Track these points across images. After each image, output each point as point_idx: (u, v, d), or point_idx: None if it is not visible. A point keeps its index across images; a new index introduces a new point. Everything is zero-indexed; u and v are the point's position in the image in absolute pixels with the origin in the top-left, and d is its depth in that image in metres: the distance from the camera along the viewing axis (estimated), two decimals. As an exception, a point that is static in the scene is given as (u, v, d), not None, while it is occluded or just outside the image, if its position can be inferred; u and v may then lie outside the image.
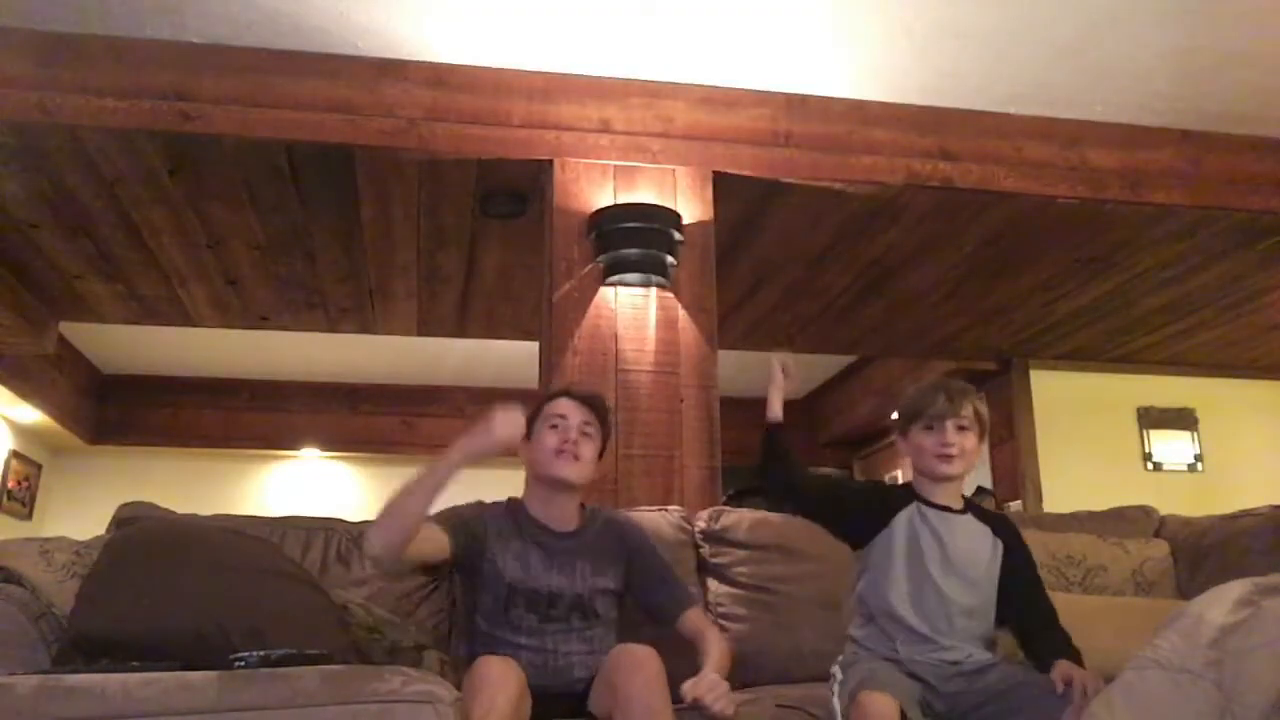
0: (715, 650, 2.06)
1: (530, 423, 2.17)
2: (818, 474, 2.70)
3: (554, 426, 2.19)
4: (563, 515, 2.20)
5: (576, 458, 2.16)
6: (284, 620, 1.81)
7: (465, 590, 2.23)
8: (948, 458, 2.01)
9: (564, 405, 2.23)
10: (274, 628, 1.74)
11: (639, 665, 1.83)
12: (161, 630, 1.68)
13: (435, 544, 2.05)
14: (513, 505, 2.24)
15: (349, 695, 1.42)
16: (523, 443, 2.15)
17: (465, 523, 2.13)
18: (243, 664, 1.50)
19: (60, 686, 1.38)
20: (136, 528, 2.14)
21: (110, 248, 4.00)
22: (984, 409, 2.08)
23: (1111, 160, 3.59)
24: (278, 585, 1.93)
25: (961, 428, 2.03)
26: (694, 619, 2.19)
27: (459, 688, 1.91)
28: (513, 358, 5.61)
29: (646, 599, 2.23)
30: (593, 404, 2.26)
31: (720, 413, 3.15)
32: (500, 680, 1.74)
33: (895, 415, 2.18)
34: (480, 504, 2.27)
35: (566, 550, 2.15)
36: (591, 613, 2.12)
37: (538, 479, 2.21)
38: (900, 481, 2.61)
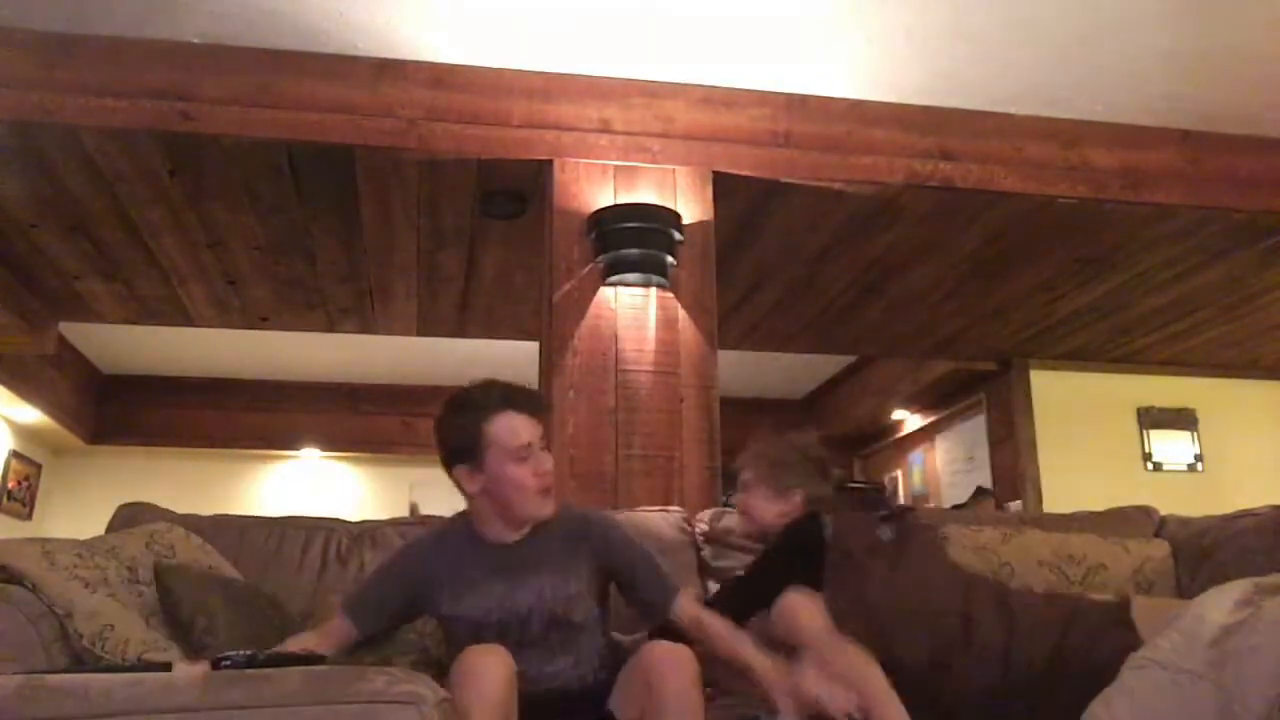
0: (737, 640, 1.91)
1: (466, 449, 1.94)
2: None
3: (523, 460, 1.93)
4: (520, 531, 2.02)
5: (552, 489, 1.99)
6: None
7: (436, 629, 2.10)
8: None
9: (521, 425, 1.95)
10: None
11: (678, 668, 1.74)
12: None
13: (335, 638, 1.92)
14: (458, 526, 2.05)
15: (332, 696, 1.41)
16: (463, 473, 1.95)
17: (382, 601, 2.00)
18: (229, 663, 1.50)
19: (43, 686, 1.37)
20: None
21: (110, 248, 4.00)
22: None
23: (1111, 160, 3.59)
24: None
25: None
26: (687, 608, 2.00)
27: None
28: (513, 358, 5.60)
29: (631, 599, 2.07)
30: (542, 410, 2.04)
31: (720, 413, 3.16)
32: (488, 668, 1.65)
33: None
34: (407, 552, 2.08)
35: (525, 563, 1.97)
36: (568, 624, 1.96)
37: (505, 515, 1.98)
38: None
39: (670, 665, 1.75)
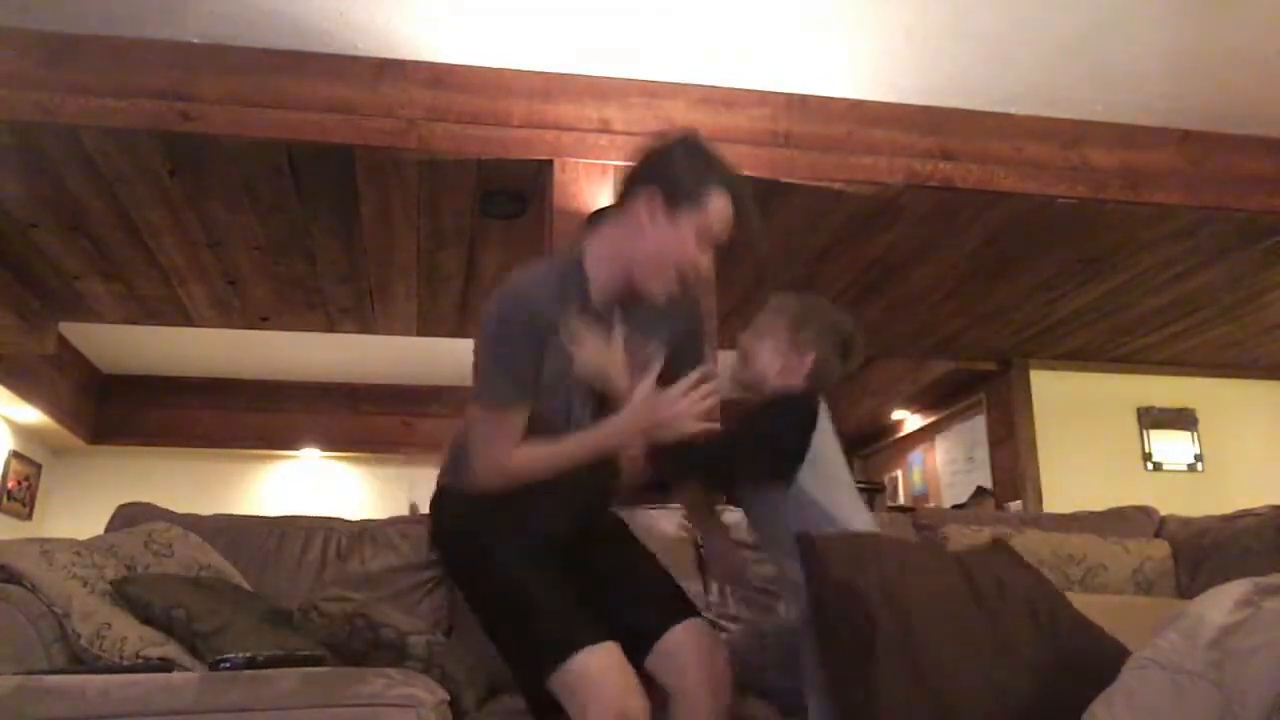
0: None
1: (678, 182, 1.76)
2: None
3: (699, 244, 1.78)
4: (615, 300, 1.84)
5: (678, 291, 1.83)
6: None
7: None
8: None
9: (725, 223, 1.79)
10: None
11: (717, 687, 1.73)
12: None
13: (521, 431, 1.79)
14: (570, 269, 1.83)
15: (330, 698, 1.41)
16: (654, 198, 1.75)
17: (535, 364, 1.78)
18: (228, 664, 1.49)
19: (40, 687, 1.38)
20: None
21: (110, 248, 4.00)
22: None
23: (1111, 160, 3.59)
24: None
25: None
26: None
27: (451, 670, 1.89)
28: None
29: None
30: (723, 249, 1.87)
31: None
32: (623, 686, 1.61)
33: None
34: (526, 304, 1.78)
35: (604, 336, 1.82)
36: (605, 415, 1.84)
37: (632, 272, 1.79)
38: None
39: (708, 682, 1.74)
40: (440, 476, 1.98)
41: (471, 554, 1.85)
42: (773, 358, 2.01)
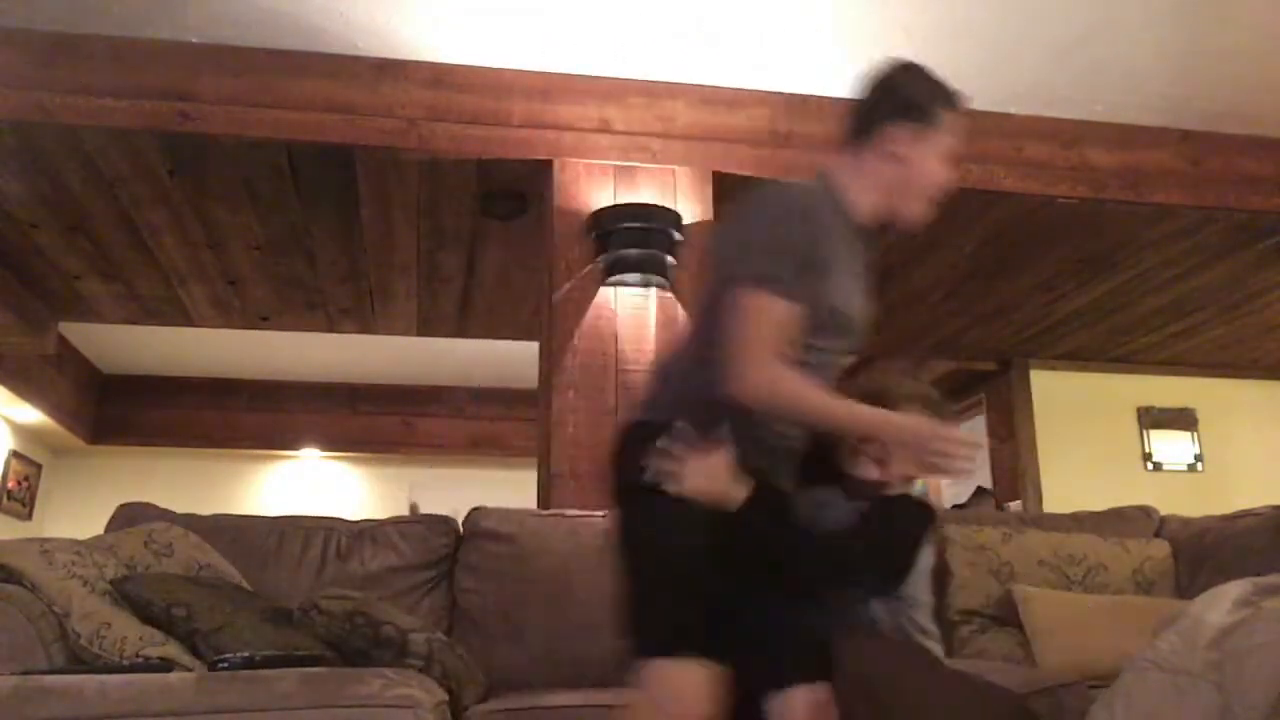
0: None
1: (921, 108, 1.73)
2: None
3: (944, 164, 1.75)
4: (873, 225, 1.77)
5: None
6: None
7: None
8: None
9: (961, 130, 1.77)
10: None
11: None
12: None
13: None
14: (828, 198, 1.73)
15: (328, 699, 1.41)
16: (903, 130, 1.71)
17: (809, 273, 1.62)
18: (226, 665, 1.49)
19: (39, 687, 1.37)
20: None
21: (110, 248, 4.00)
22: None
23: (1111, 160, 3.59)
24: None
25: None
26: None
27: (451, 668, 1.89)
28: (513, 358, 5.61)
29: None
30: None
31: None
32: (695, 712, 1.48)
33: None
34: (813, 205, 1.69)
35: (862, 269, 1.75)
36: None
37: (887, 200, 1.75)
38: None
39: None
40: (647, 408, 1.73)
41: (664, 505, 1.59)
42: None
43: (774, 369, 1.55)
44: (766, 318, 1.55)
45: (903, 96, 1.75)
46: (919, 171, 1.74)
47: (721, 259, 1.72)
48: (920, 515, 1.75)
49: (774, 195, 1.71)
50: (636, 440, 1.66)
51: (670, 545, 1.60)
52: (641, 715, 1.53)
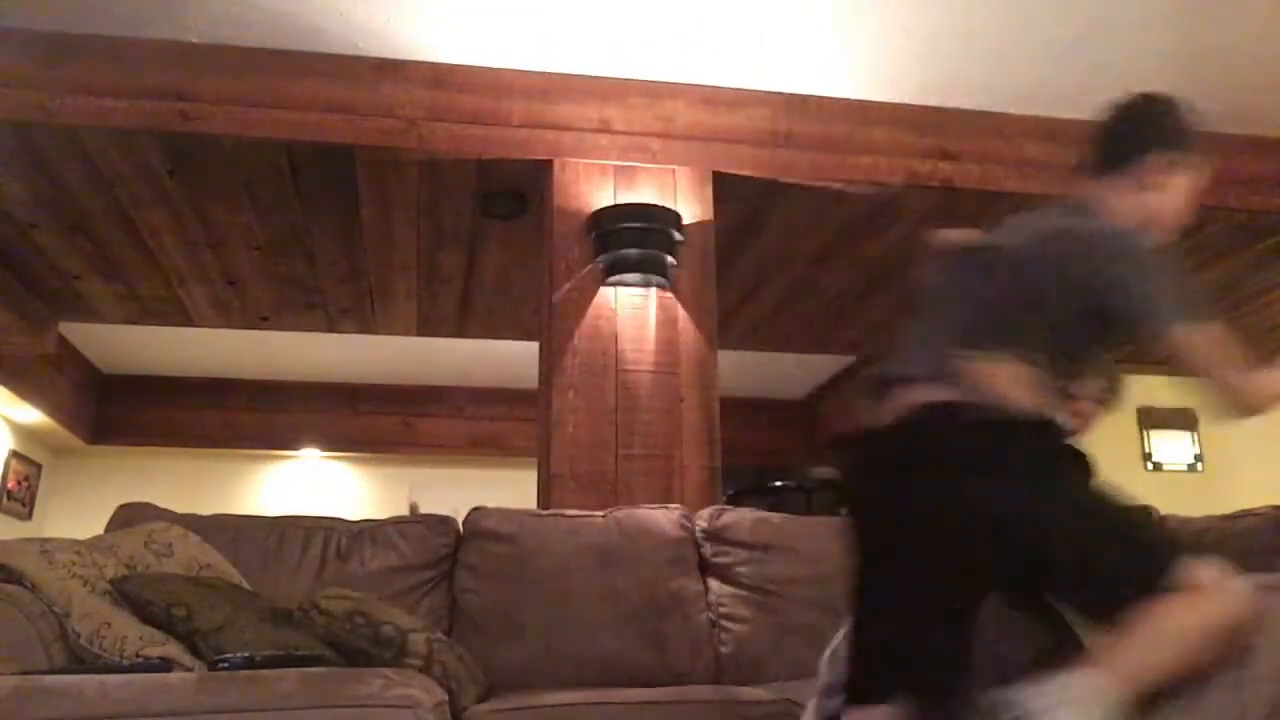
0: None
1: (1181, 139, 1.86)
2: None
3: (1188, 199, 1.85)
4: None
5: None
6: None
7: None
8: None
9: (1208, 169, 1.88)
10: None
11: None
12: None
13: None
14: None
15: (327, 699, 1.41)
16: (1163, 159, 1.83)
17: None
18: (226, 665, 1.49)
19: (38, 687, 1.37)
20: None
21: (110, 248, 4.00)
22: None
23: (1111, 160, 3.59)
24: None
25: None
26: None
27: (451, 668, 1.89)
28: (513, 358, 5.61)
29: None
30: None
31: (720, 413, 3.15)
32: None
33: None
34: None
35: None
36: None
37: (1152, 229, 1.82)
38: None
39: None
40: (958, 391, 1.65)
41: (952, 499, 1.54)
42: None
43: (1251, 379, 1.66)
44: (1216, 347, 1.65)
45: (1162, 127, 1.90)
46: (1174, 200, 1.85)
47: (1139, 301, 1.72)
48: None
49: (1135, 233, 1.77)
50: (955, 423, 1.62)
51: (1088, 502, 1.59)
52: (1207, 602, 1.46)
